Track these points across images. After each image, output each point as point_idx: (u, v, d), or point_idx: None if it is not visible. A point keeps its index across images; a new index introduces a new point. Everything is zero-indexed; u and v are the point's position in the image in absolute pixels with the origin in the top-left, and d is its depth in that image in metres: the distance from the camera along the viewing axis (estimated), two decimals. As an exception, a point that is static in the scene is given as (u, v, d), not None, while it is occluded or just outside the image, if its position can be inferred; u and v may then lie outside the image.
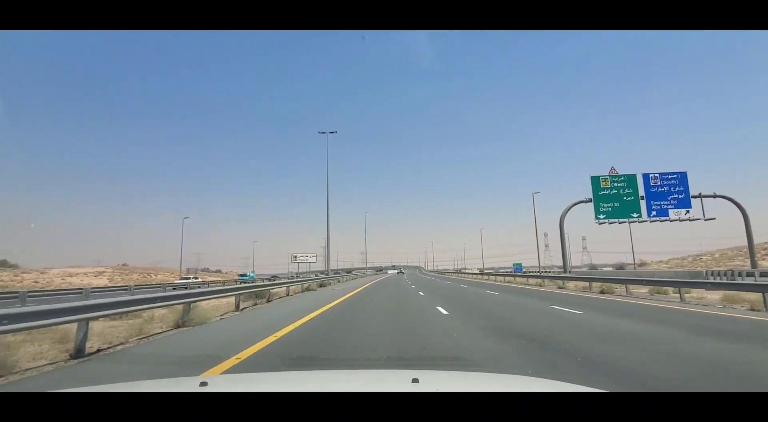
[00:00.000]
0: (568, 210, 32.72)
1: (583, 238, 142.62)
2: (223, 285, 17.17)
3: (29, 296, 16.96)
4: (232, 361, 5.10)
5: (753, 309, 10.69)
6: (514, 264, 61.21)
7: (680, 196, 29.97)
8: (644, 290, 17.37)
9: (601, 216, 30.86)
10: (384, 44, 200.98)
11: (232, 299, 12.57)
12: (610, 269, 62.64)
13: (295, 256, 75.64)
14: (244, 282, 31.87)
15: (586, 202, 31.80)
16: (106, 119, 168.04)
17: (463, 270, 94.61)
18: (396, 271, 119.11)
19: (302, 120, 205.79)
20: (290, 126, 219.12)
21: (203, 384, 1.51)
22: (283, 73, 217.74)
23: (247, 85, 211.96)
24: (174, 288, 25.11)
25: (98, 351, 6.14)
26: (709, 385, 3.96)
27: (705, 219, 29.94)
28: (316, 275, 59.16)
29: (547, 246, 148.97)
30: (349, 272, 79.25)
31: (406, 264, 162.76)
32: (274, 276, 55.89)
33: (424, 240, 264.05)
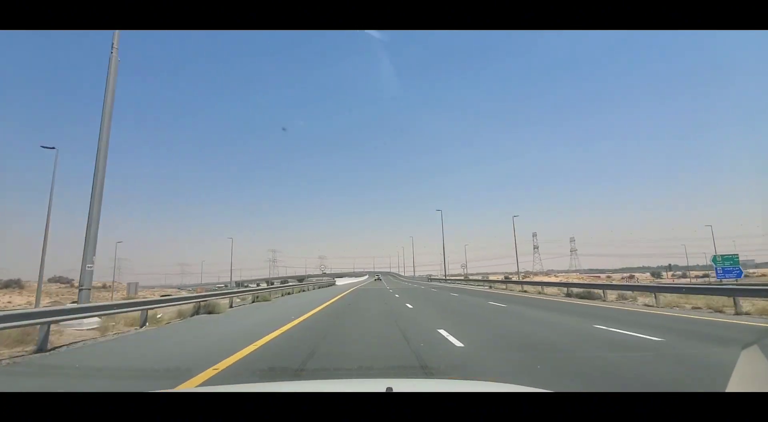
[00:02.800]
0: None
1: (572, 239, 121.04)
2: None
3: None
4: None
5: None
6: (719, 261, 31.06)
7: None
8: None
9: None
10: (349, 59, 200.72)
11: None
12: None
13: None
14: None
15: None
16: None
17: (447, 278, 62.24)
18: (373, 278, 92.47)
19: (263, 127, 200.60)
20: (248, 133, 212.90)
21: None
22: (246, 81, 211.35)
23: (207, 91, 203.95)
24: None
25: None
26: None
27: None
28: (257, 284, 53.81)
29: (536, 248, 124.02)
30: (285, 282, 69.60)
31: (373, 269, 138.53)
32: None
33: (392, 246, 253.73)
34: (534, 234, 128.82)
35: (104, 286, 66.25)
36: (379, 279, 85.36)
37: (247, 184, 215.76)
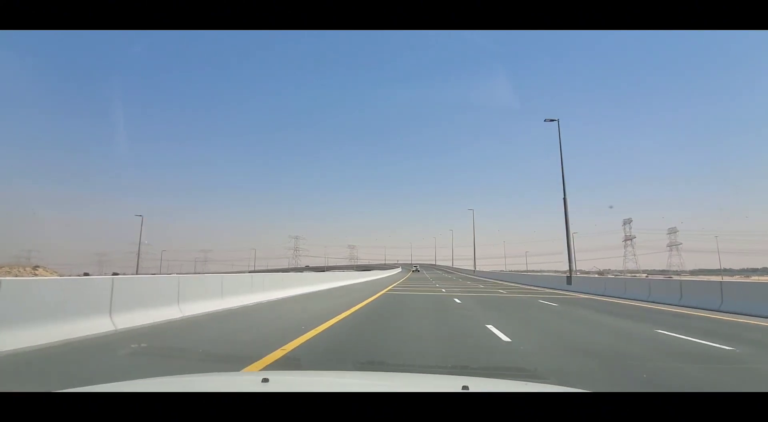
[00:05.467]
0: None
1: (671, 230, 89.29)
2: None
3: None
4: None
5: None
6: None
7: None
8: None
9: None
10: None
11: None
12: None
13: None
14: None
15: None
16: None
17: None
18: (408, 271, 69.68)
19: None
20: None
21: (265, 380, 1.55)
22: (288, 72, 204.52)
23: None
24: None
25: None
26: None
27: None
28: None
29: (630, 239, 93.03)
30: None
31: (410, 261, 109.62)
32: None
33: (431, 238, 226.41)
34: (627, 222, 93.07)
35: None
36: (417, 270, 70.59)
37: (283, 171, 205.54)
